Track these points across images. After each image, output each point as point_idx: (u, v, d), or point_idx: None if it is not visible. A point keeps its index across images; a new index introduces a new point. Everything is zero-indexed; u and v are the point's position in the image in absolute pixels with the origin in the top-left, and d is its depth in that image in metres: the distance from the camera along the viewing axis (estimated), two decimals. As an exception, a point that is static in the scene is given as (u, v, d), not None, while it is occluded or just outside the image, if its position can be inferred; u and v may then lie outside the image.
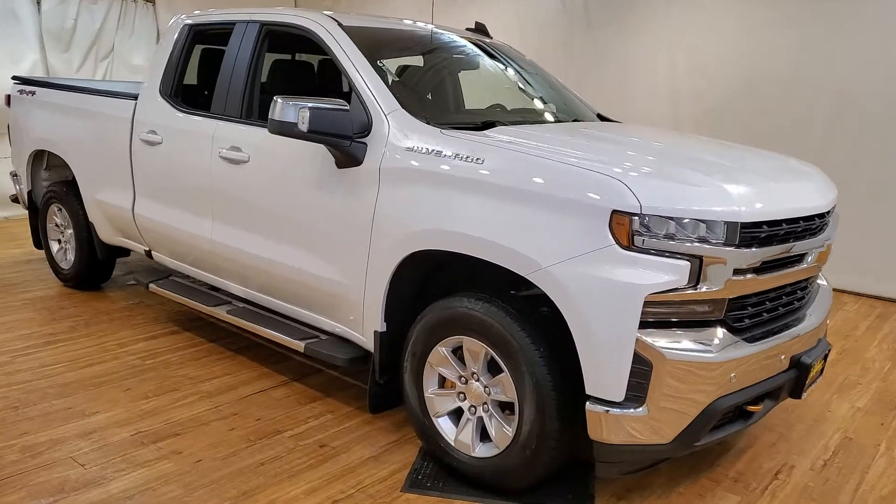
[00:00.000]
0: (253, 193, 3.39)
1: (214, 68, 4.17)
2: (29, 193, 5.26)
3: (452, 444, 2.77)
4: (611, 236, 2.25)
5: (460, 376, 2.74)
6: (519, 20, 7.51)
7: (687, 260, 2.24)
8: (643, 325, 2.23)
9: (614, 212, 2.25)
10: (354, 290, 3.00)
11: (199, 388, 3.56)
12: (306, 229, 3.17)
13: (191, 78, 4.30)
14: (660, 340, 2.25)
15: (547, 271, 2.33)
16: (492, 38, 4.28)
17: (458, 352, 2.75)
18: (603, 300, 2.24)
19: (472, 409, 2.73)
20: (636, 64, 6.82)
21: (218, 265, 3.74)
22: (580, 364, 2.32)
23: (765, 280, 2.42)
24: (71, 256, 4.98)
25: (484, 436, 2.72)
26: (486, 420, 2.69)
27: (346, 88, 4.20)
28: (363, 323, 3.03)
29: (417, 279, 2.92)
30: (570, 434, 2.49)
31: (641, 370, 2.25)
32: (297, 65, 4.40)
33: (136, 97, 4.20)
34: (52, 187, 4.98)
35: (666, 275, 2.22)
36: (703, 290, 2.27)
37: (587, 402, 2.33)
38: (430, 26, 3.83)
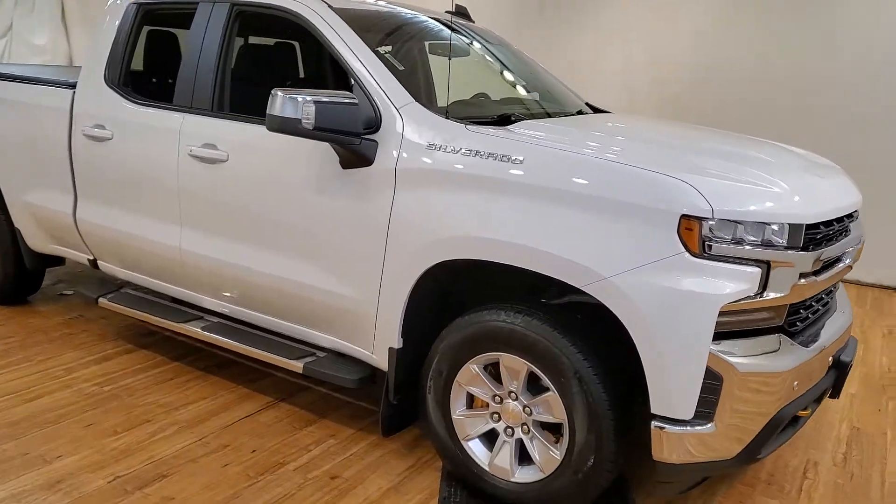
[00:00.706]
0: (234, 197, 3.01)
1: (168, 54, 3.73)
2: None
3: (487, 469, 2.55)
4: (680, 243, 2.08)
5: (494, 395, 2.52)
6: (468, 6, 7.25)
7: (756, 266, 2.10)
8: (714, 336, 2.09)
9: (683, 216, 2.08)
10: (365, 304, 2.71)
11: (175, 416, 3.15)
12: (304, 237, 2.83)
13: (137, 64, 3.80)
14: (729, 352, 2.11)
15: (609, 282, 2.13)
16: (473, 21, 4.02)
17: (489, 368, 2.53)
18: (674, 313, 2.07)
19: (509, 430, 2.51)
20: (590, 53, 6.74)
21: (188, 276, 3.32)
22: (646, 381, 2.14)
23: (822, 282, 2.33)
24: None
25: (523, 458, 2.51)
26: (526, 442, 2.48)
27: (328, 77, 3.86)
28: (374, 339, 2.75)
29: (438, 291, 2.66)
30: (625, 453, 2.32)
31: (711, 385, 2.10)
32: (276, 50, 3.98)
33: (73, 86, 3.67)
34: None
35: (738, 283, 2.08)
36: (771, 296, 2.14)
37: (652, 422, 2.17)
38: (401, 9, 3.52)
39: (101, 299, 3.71)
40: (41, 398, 3.26)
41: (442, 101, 2.72)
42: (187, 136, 3.15)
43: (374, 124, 2.63)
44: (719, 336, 2.10)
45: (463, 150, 2.44)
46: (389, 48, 2.95)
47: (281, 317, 3.08)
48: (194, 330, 3.32)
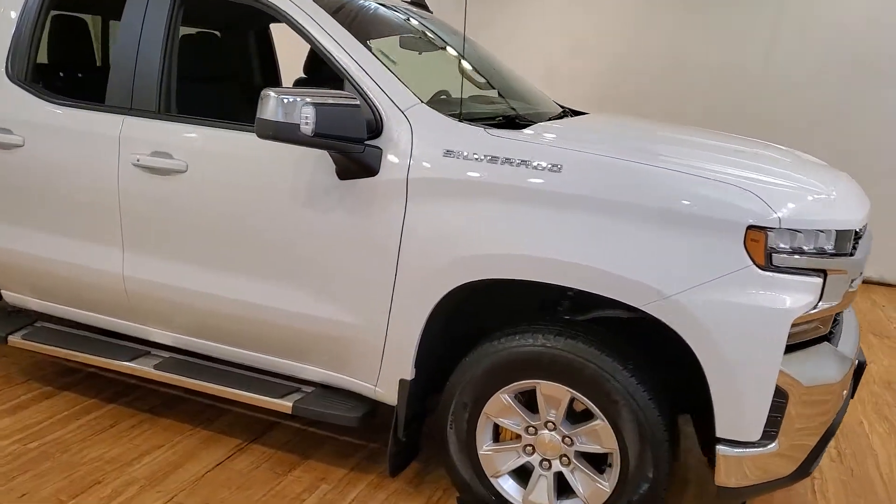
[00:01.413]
0: (196, 214, 2.57)
1: (77, 43, 3.17)
2: None
3: (521, 506, 2.33)
4: (747, 256, 1.95)
5: (528, 426, 2.29)
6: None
7: (817, 276, 2.01)
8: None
9: (749, 227, 1.94)
10: (368, 333, 2.39)
11: (131, 473, 2.67)
12: (289, 259, 2.46)
13: (40, 57, 3.20)
14: (793, 367, 2.01)
15: (672, 301, 1.96)
16: (431, 12, 3.74)
17: (520, 396, 2.30)
18: (746, 330, 1.94)
19: (545, 463, 2.30)
20: (508, 44, 6.61)
21: (132, 307, 2.82)
22: (711, 403, 2.00)
23: (857, 288, 2.29)
24: None
25: (561, 492, 2.31)
26: (567, 475, 2.27)
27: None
28: (380, 371, 2.43)
29: (455, 315, 2.39)
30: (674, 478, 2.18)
31: (778, 403, 2.00)
32: (228, 42, 3.48)
33: (-41, 81, 3.03)
34: None
35: (804, 294, 1.97)
36: (826, 306, 2.06)
37: (718, 447, 2.03)
38: None
39: (10, 337, 3.10)
40: (-51, 467, 2.67)
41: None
42: (130, 143, 2.65)
43: (374, 129, 2.31)
44: (786, 351, 2.00)
45: (488, 157, 2.18)
46: (372, 42, 2.61)
47: (256, 349, 2.68)
48: (145, 370, 2.83)
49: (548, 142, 2.22)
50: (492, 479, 2.35)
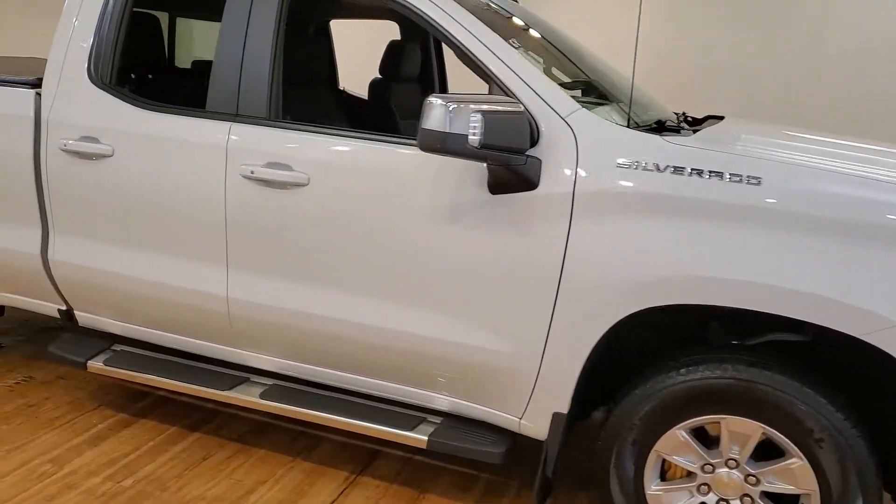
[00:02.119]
0: (318, 232, 2.34)
1: (153, 42, 2.93)
2: None
3: (694, 549, 2.13)
4: None
5: (705, 464, 2.09)
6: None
7: None
8: None
9: None
10: (520, 361, 2.18)
11: (244, 515, 2.44)
12: (426, 280, 2.24)
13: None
14: None
15: (901, 330, 1.77)
16: (517, 1, 3.50)
17: (695, 431, 2.10)
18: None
19: (722, 503, 2.10)
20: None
21: (236, 331, 2.58)
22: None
23: None
24: None
25: (740, 534, 2.12)
26: (749, 516, 2.08)
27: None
28: (529, 403, 2.22)
29: (620, 343, 2.18)
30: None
31: None
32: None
33: (34, 84, 2.77)
34: None
35: None
36: None
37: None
38: None
39: (90, 363, 2.85)
40: (41, 511, 2.42)
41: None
42: (240, 153, 2.41)
43: (531, 139, 2.09)
44: None
45: (671, 168, 1.97)
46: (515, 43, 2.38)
47: (379, 375, 2.45)
48: (252, 400, 2.59)
49: (741, 151, 2.01)
50: (660, 521, 2.15)
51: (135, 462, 2.73)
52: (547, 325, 2.11)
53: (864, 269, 1.80)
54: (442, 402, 2.41)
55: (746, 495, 2.08)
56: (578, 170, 2.04)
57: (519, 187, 2.07)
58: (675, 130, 2.25)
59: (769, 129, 2.72)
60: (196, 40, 4.03)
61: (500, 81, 2.16)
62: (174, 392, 3.01)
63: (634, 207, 1.98)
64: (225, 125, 2.45)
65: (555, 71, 2.37)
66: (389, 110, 3.51)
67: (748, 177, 1.91)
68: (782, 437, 1.96)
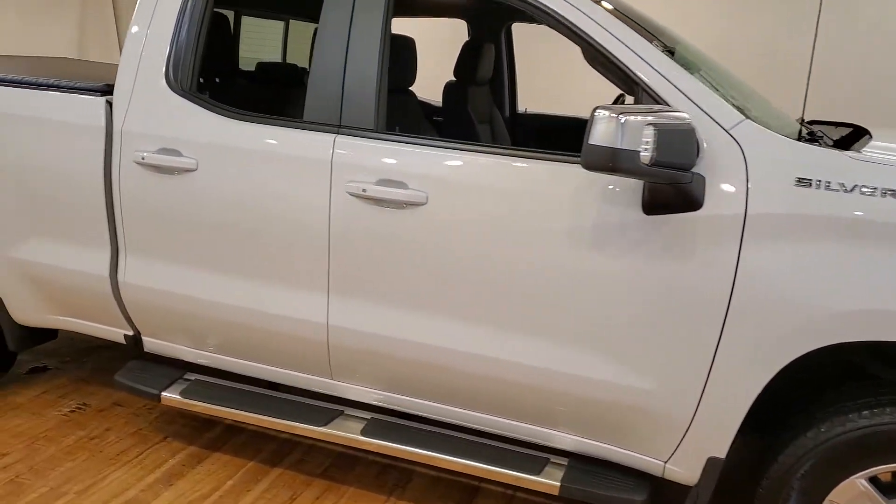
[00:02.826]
0: (437, 255, 2.11)
1: (227, 45, 2.69)
2: None
3: None
4: None
5: (883, 515, 1.88)
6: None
7: None
8: None
9: None
10: (671, 401, 1.96)
11: (351, 568, 2.22)
12: (565, 310, 2.02)
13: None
14: None
15: None
16: None
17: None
18: None
19: (901, 558, 1.89)
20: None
21: (335, 361, 2.35)
22: None
23: None
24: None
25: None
26: (935, 573, 1.87)
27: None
28: (679, 446, 2.01)
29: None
30: None
31: None
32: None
33: (103, 91, 2.53)
34: None
35: None
36: None
37: None
38: None
39: (165, 394, 2.61)
40: (130, 565, 2.19)
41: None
42: (346, 169, 2.18)
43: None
44: None
45: (862, 189, 1.75)
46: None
47: (493, 411, 2.23)
48: (354, 438, 2.36)
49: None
50: (831, 577, 1.94)
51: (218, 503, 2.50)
52: (709, 363, 1.89)
53: None
54: (564, 440, 2.20)
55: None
56: (749, 188, 1.82)
57: (681, 208, 1.85)
58: (815, 140, 2.04)
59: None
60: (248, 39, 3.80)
61: (651, 90, 1.93)
62: (241, 420, 2.78)
63: (821, 232, 1.76)
64: (328, 137, 2.21)
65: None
66: (467, 115, 3.29)
67: (960, 199, 1.69)
68: (984, 487, 1.76)
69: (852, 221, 1.75)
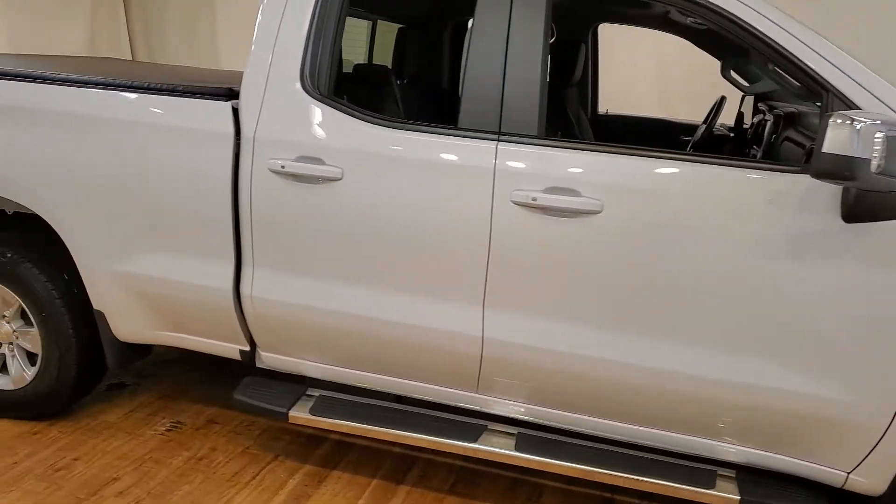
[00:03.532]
0: (610, 264, 2.05)
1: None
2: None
3: None
4: None
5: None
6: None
7: None
8: None
9: None
10: (864, 411, 1.93)
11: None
12: (759, 320, 1.97)
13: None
14: None
15: None
16: None
17: None
18: None
19: None
20: (622, 51, 6.09)
21: (486, 375, 2.28)
22: None
23: None
24: (24, 371, 2.82)
25: None
26: None
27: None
28: (869, 456, 1.98)
29: None
30: None
31: None
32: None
33: (227, 95, 2.41)
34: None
35: None
36: None
37: None
38: None
39: (292, 412, 2.51)
40: None
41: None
42: (511, 177, 2.10)
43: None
44: None
45: None
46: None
47: (653, 424, 2.18)
48: (507, 453, 2.29)
49: None
50: None
51: (356, 526, 2.41)
52: (911, 372, 1.86)
53: None
54: (731, 452, 2.15)
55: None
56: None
57: (887, 216, 1.81)
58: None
59: None
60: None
61: (841, 94, 1.89)
62: (346, 433, 2.70)
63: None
64: (489, 145, 2.14)
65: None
66: (567, 117, 3.23)
67: None
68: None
69: None
